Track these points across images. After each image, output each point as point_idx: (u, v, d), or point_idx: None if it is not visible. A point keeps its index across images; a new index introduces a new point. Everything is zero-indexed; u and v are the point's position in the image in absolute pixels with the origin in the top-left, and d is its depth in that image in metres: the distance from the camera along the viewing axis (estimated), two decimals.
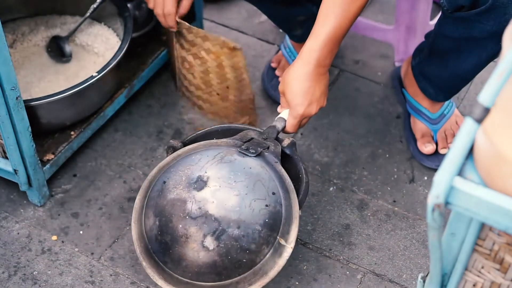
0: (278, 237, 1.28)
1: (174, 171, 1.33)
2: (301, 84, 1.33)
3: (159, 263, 1.30)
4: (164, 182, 1.32)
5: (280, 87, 1.38)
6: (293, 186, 1.31)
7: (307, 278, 1.45)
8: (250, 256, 1.26)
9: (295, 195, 1.31)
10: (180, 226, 1.27)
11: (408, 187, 1.62)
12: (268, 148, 1.35)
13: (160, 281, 1.30)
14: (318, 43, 1.31)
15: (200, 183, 1.29)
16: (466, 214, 0.81)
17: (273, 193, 1.29)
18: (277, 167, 1.33)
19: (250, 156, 1.33)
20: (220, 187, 1.28)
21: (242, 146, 1.34)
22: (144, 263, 1.31)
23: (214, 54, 1.57)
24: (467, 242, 0.91)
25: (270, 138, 1.37)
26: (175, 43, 1.64)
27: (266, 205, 1.28)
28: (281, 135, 1.41)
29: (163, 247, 1.29)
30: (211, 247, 1.26)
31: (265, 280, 1.27)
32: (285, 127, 1.40)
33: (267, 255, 1.27)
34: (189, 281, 1.28)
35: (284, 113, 1.41)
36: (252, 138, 1.37)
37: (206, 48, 1.57)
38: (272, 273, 1.27)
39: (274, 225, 1.27)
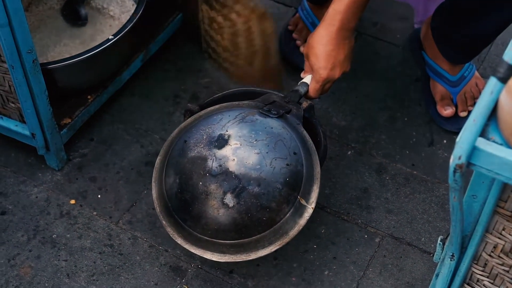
0: (298, 196, 1.27)
1: (195, 131, 1.32)
2: (324, 47, 1.32)
3: (179, 221, 1.30)
4: (185, 141, 1.31)
5: (304, 51, 1.38)
6: (314, 148, 1.31)
7: (325, 242, 1.45)
8: (270, 214, 1.25)
9: (317, 157, 1.30)
10: (200, 183, 1.26)
11: (427, 151, 1.60)
12: (290, 111, 1.34)
13: (179, 239, 1.30)
14: (343, 5, 1.30)
15: (221, 141, 1.28)
16: (488, 175, 0.80)
17: (294, 153, 1.28)
18: (299, 128, 1.32)
19: (271, 117, 1.32)
20: (241, 145, 1.27)
21: (264, 108, 1.34)
22: (164, 222, 1.32)
23: (244, 18, 1.56)
24: (488, 203, 0.90)
25: (292, 101, 1.36)
26: (201, 5, 1.63)
27: (287, 164, 1.27)
28: (300, 100, 1.39)
29: (183, 205, 1.29)
30: (231, 204, 1.25)
31: (285, 239, 1.27)
32: (307, 91, 1.39)
33: (288, 214, 1.26)
34: (208, 239, 1.28)
35: (307, 78, 1.40)
36: (274, 101, 1.36)
37: (237, 11, 1.55)
38: (292, 232, 1.27)
39: (295, 185, 1.26)
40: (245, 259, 1.27)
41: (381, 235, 1.46)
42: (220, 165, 1.26)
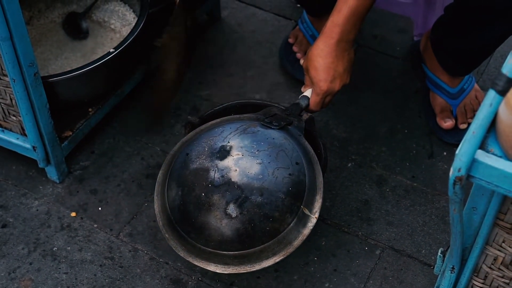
0: (302, 206, 1.27)
1: (197, 144, 1.33)
2: (324, 60, 1.33)
3: (182, 233, 1.30)
4: (187, 154, 1.32)
5: (304, 64, 1.38)
6: (317, 158, 1.31)
7: (326, 254, 1.45)
8: (273, 224, 1.25)
9: (319, 167, 1.31)
10: (203, 194, 1.26)
11: (427, 163, 1.61)
12: (291, 123, 1.35)
13: (182, 252, 1.30)
14: (341, 18, 1.30)
15: (223, 153, 1.28)
16: (488, 187, 0.81)
17: (297, 163, 1.28)
18: (300, 139, 1.33)
19: (273, 128, 1.33)
20: (243, 156, 1.27)
21: (266, 120, 1.35)
22: (167, 235, 1.31)
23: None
24: (488, 215, 0.91)
25: (293, 114, 1.37)
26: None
27: (290, 174, 1.27)
28: (301, 113, 1.40)
29: (185, 217, 1.29)
30: (234, 215, 1.25)
31: (289, 249, 1.26)
32: (308, 105, 1.40)
33: (291, 224, 1.26)
34: (211, 250, 1.28)
35: (308, 92, 1.41)
36: (275, 114, 1.37)
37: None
38: (297, 242, 1.27)
39: (298, 194, 1.27)
40: (249, 270, 1.27)
41: (381, 247, 1.46)
42: (222, 176, 1.26)
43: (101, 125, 1.67)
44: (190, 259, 1.29)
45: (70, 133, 1.55)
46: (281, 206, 1.25)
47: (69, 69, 1.56)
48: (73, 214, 1.52)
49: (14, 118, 1.46)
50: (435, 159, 1.61)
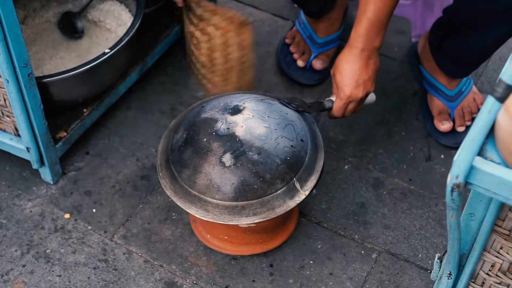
0: (294, 179, 1.29)
1: (214, 100, 1.39)
2: (350, 66, 1.37)
3: (175, 174, 1.32)
4: (202, 107, 1.37)
5: (332, 71, 1.42)
6: (323, 147, 1.35)
7: (322, 257, 1.44)
8: (262, 184, 1.27)
9: (323, 154, 1.34)
10: (205, 139, 1.30)
11: (425, 165, 1.60)
12: (309, 113, 1.40)
13: (169, 191, 1.32)
14: (363, 29, 1.34)
15: (235, 110, 1.33)
16: (486, 194, 0.80)
17: (302, 140, 1.32)
18: (313, 126, 1.37)
19: (290, 107, 1.37)
20: (253, 117, 1.31)
21: (285, 100, 1.39)
22: (160, 174, 1.34)
23: (222, 30, 1.53)
24: (486, 222, 0.90)
25: (314, 109, 1.42)
26: (185, 18, 1.60)
27: (292, 146, 1.30)
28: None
29: (182, 157, 1.31)
30: (227, 164, 1.27)
31: (271, 215, 1.28)
32: (331, 108, 1.43)
33: (279, 191, 1.28)
34: (197, 194, 1.29)
35: (334, 97, 1.44)
36: (296, 99, 1.41)
37: (214, 23, 1.53)
38: (279, 210, 1.28)
39: (294, 167, 1.29)
40: (226, 223, 1.28)
41: (378, 251, 1.45)
42: (228, 128, 1.30)
43: (96, 126, 1.66)
44: (175, 199, 1.31)
45: (65, 134, 1.53)
46: (274, 170, 1.27)
47: (64, 69, 1.55)
48: (67, 215, 1.51)
49: (8, 118, 1.45)
50: (432, 162, 1.60)
